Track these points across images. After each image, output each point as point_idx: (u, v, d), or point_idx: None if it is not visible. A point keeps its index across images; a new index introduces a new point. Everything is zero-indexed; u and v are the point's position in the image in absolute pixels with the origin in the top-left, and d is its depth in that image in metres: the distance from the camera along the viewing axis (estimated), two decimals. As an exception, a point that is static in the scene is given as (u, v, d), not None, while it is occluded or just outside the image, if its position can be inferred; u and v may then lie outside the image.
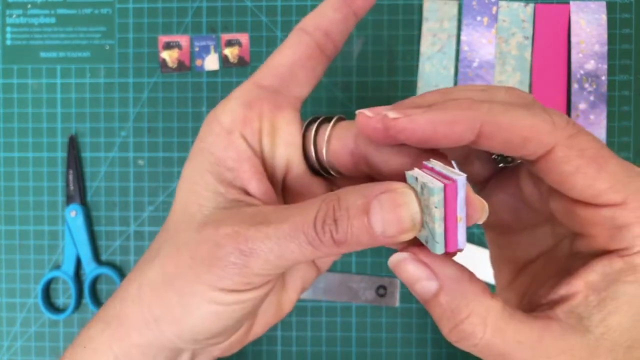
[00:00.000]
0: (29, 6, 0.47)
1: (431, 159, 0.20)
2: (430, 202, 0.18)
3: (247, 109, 0.23)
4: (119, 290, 0.24)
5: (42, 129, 0.47)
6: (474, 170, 0.25)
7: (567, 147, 0.19)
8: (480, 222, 0.19)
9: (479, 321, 0.19)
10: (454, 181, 0.18)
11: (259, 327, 0.27)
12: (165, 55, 0.46)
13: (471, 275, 0.20)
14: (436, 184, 0.18)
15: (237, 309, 0.22)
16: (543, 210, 0.23)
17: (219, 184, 0.23)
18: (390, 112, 0.20)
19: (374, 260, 0.46)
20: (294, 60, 0.24)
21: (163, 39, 0.46)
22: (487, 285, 0.20)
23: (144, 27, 0.46)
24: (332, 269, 0.46)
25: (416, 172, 0.19)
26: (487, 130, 0.19)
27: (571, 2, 0.45)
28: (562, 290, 0.20)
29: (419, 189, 0.19)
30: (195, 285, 0.21)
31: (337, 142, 0.23)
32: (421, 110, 0.19)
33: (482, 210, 0.19)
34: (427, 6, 0.46)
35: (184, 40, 0.46)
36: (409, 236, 0.19)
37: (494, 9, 0.45)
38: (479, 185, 0.26)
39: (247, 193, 0.23)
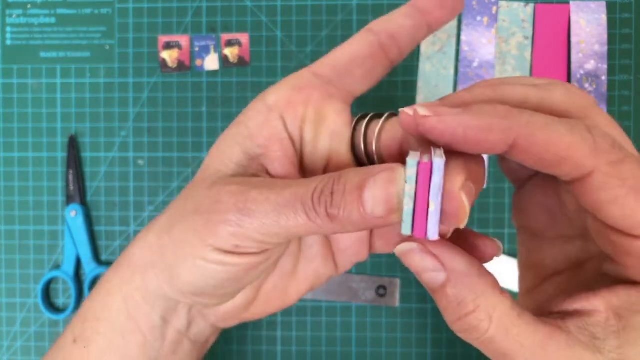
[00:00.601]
0: (29, 6, 0.47)
1: (441, 147, 0.19)
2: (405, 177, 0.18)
3: (295, 92, 0.23)
4: (136, 236, 0.25)
5: (42, 129, 0.47)
6: (513, 167, 0.24)
7: (606, 174, 0.18)
8: (460, 226, 0.18)
9: (485, 317, 0.19)
10: (430, 161, 0.18)
11: (260, 307, 0.26)
12: (165, 55, 0.46)
13: (481, 268, 0.19)
14: (413, 159, 0.18)
15: (220, 271, 0.22)
16: (578, 223, 0.22)
17: (244, 157, 0.23)
18: (420, 109, 0.19)
19: (374, 260, 0.46)
20: (354, 56, 0.23)
21: (163, 39, 0.46)
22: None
23: (144, 27, 0.46)
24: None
25: (414, 153, 0.19)
26: (521, 144, 0.18)
27: (571, 2, 0.45)
28: (578, 305, 0.19)
29: None
30: (188, 235, 0.22)
31: (386, 134, 0.23)
32: (455, 111, 0.18)
33: (461, 210, 0.18)
34: (427, 6, 0.46)
35: (184, 40, 0.46)
36: (397, 217, 0.19)
37: (494, 9, 0.45)
38: (518, 183, 0.25)
39: (269, 172, 0.23)
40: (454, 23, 0.46)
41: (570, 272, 0.23)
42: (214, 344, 0.29)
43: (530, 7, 0.45)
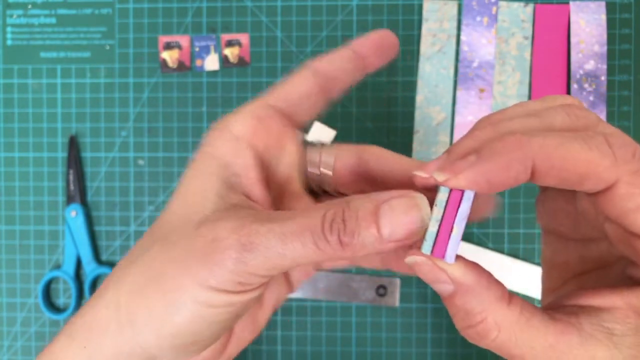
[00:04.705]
0: (30, 6, 0.47)
1: None
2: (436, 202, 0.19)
3: (258, 121, 0.25)
4: (90, 300, 0.23)
5: (42, 129, 0.47)
6: None
7: (630, 184, 0.18)
8: (486, 214, 0.19)
9: (493, 327, 0.19)
10: (462, 190, 0.19)
11: (234, 346, 0.26)
12: (166, 55, 0.46)
13: (490, 279, 0.20)
14: (445, 186, 0.19)
15: (223, 313, 0.21)
16: (600, 227, 0.22)
17: (223, 186, 0.23)
18: (437, 175, 0.19)
19: (373, 260, 0.46)
20: (303, 92, 0.26)
21: (163, 39, 0.46)
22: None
23: (144, 27, 0.47)
24: (333, 268, 0.46)
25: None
26: (541, 168, 0.18)
27: (571, 2, 0.45)
28: (595, 301, 0.19)
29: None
30: (183, 280, 0.20)
31: (339, 160, 0.25)
32: (469, 161, 0.19)
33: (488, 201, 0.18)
34: (427, 6, 0.46)
35: (184, 40, 0.46)
36: (414, 240, 0.19)
37: (494, 9, 0.45)
38: (541, 187, 0.25)
39: (250, 198, 0.23)
40: (454, 23, 0.46)
41: (595, 272, 0.23)
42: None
43: (530, 8, 0.45)
